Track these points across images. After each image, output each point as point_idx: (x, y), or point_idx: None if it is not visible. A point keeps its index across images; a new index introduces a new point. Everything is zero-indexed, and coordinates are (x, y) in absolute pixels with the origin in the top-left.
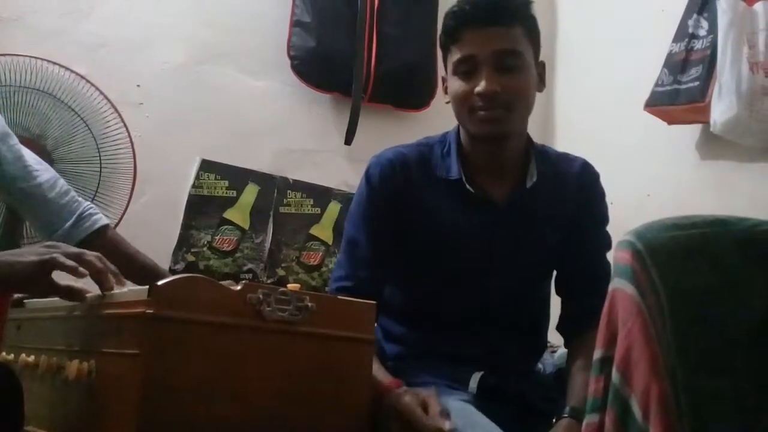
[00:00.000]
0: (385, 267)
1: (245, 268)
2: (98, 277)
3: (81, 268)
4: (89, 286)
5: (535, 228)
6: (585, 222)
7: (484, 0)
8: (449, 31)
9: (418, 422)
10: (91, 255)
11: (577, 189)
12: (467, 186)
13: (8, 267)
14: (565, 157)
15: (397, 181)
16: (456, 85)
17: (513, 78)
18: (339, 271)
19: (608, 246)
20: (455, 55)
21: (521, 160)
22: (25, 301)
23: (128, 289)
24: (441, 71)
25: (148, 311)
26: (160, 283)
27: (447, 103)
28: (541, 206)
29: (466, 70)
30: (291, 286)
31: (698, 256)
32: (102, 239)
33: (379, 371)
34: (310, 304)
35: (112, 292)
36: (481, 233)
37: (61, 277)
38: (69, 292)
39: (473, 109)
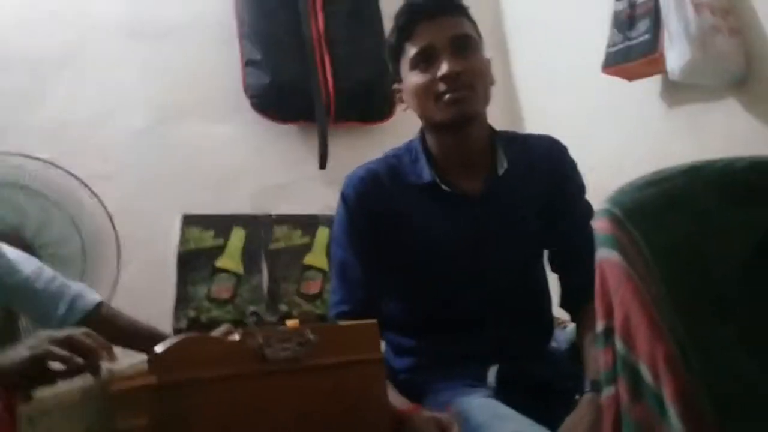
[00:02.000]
0: (378, 283)
1: (249, 312)
2: (90, 354)
3: (75, 358)
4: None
5: (513, 215)
6: (563, 196)
7: None
8: (402, 27)
9: None
10: (79, 335)
11: (548, 167)
12: (442, 186)
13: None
14: (531, 138)
15: (372, 196)
16: (416, 78)
17: (471, 60)
18: (335, 296)
19: (591, 215)
20: (411, 50)
21: (488, 151)
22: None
23: (128, 365)
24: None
25: (152, 381)
26: (157, 350)
27: (405, 110)
28: (516, 192)
29: (425, 60)
30: (290, 323)
31: (676, 209)
32: (98, 318)
33: (395, 397)
34: (311, 337)
35: (113, 368)
36: (462, 231)
37: None
38: (68, 374)
39: (438, 95)
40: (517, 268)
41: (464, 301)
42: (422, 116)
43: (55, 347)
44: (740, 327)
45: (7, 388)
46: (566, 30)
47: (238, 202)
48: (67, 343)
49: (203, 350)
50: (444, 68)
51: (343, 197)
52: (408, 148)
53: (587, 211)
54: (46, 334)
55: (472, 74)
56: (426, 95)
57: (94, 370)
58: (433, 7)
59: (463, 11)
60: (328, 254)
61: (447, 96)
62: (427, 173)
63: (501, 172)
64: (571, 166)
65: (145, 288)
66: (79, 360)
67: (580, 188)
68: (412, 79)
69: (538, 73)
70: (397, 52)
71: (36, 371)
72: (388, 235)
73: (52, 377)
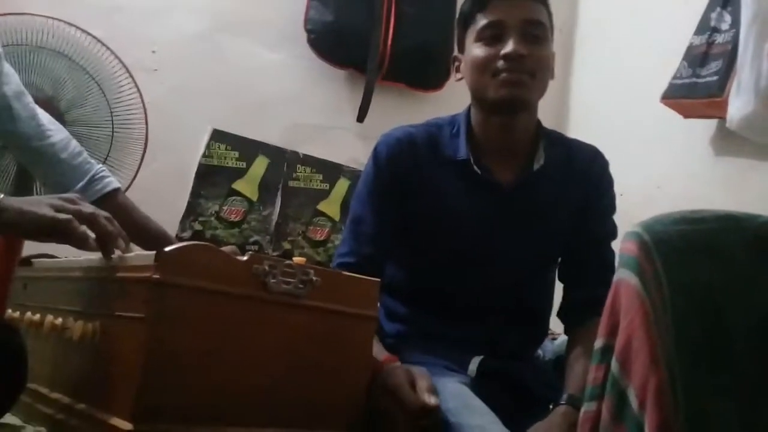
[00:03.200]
0: (389, 245)
1: (251, 240)
2: (104, 240)
3: (90, 241)
4: None
5: (540, 213)
6: (592, 210)
7: None
8: None
9: (405, 397)
10: (102, 218)
11: (585, 176)
12: (474, 167)
13: (19, 214)
14: (576, 143)
15: (404, 160)
16: (479, 51)
17: (538, 47)
18: (343, 247)
19: (614, 235)
20: (481, 22)
21: (530, 143)
22: (33, 260)
23: (135, 254)
24: (455, 52)
25: (154, 276)
26: (167, 249)
27: (458, 80)
28: (547, 191)
29: (492, 35)
30: (297, 259)
31: (704, 252)
32: (112, 202)
33: (376, 347)
34: (315, 278)
35: (119, 255)
36: (485, 215)
37: None
38: (94, 246)
39: (497, 72)
40: (527, 267)
41: (468, 286)
42: (474, 90)
43: (76, 222)
44: (737, 380)
45: (10, 237)
46: (636, 48)
47: (269, 132)
48: (90, 221)
49: (211, 261)
50: (509, 47)
51: (376, 154)
52: (452, 121)
53: (611, 230)
54: (73, 197)
55: (536, 61)
56: (484, 69)
57: (106, 255)
58: None
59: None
60: (343, 205)
61: (505, 75)
62: (463, 150)
63: (536, 167)
64: (608, 182)
65: (160, 190)
66: (93, 245)
67: (611, 206)
68: (474, 50)
69: (595, 83)
70: (467, 20)
71: (49, 235)
72: (410, 202)
73: (66, 242)
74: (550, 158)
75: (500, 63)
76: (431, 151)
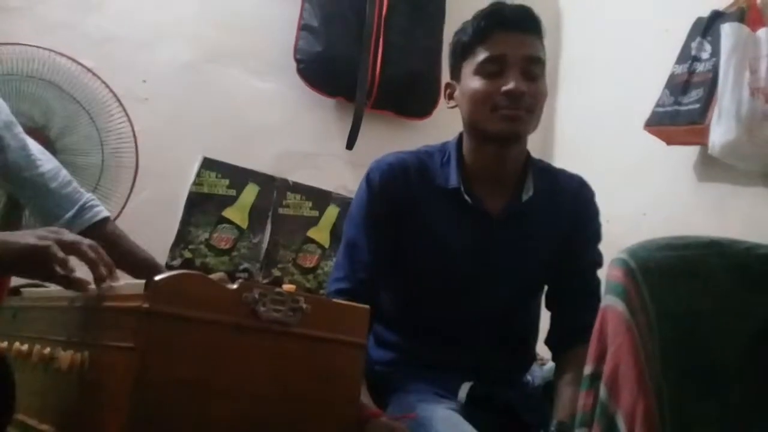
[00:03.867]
0: (383, 271)
1: (241, 267)
2: (91, 266)
3: (70, 265)
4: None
5: (528, 242)
6: (578, 239)
7: (516, 7)
8: (479, 31)
9: None
10: (86, 245)
11: (572, 206)
12: (465, 196)
13: (2, 245)
14: (563, 174)
15: (397, 186)
16: (479, 84)
17: (536, 85)
18: (338, 272)
19: (599, 264)
20: (481, 54)
21: (519, 173)
22: (22, 290)
23: (125, 283)
24: (445, 79)
25: (144, 306)
26: (156, 278)
27: (451, 107)
28: (535, 221)
29: (494, 70)
30: (287, 286)
31: (690, 278)
32: (102, 231)
33: (364, 396)
34: (305, 306)
35: (108, 284)
36: (474, 244)
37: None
38: (68, 282)
39: (496, 107)
40: (515, 294)
41: (456, 314)
42: (471, 121)
43: (57, 248)
44: (724, 406)
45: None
46: (619, 77)
47: (259, 159)
48: (73, 249)
49: (200, 289)
50: (511, 84)
51: (368, 180)
52: (442, 149)
53: (597, 259)
54: (56, 230)
55: (535, 98)
56: (484, 103)
57: (80, 286)
58: (517, 20)
59: (541, 35)
60: (332, 232)
61: (505, 111)
62: (454, 179)
63: (525, 198)
64: (594, 212)
65: (150, 218)
66: (73, 268)
67: (597, 236)
68: (474, 83)
69: (579, 110)
70: (466, 51)
71: (34, 263)
72: (402, 228)
73: (52, 275)
74: (538, 189)
75: (501, 99)
76: (422, 178)
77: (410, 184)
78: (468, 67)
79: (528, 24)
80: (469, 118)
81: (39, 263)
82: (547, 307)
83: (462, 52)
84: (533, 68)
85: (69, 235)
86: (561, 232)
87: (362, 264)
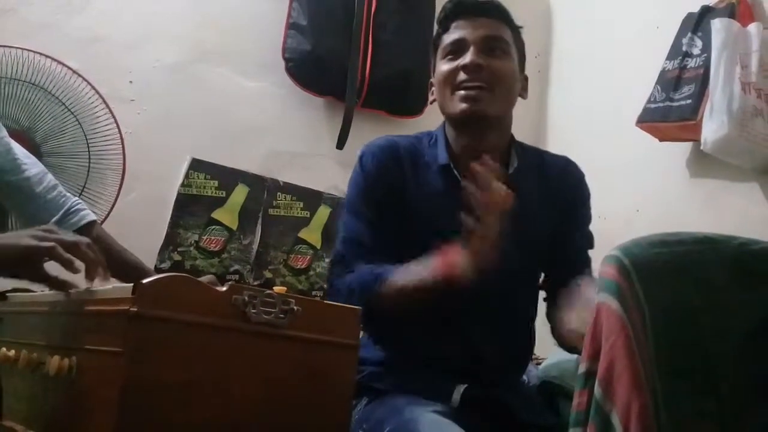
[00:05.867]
0: (390, 251)
1: (232, 269)
2: (90, 267)
3: (76, 263)
4: (77, 278)
5: (520, 214)
6: (568, 220)
7: None
8: (442, 20)
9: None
10: (84, 245)
11: (560, 183)
12: (455, 171)
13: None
14: (549, 154)
15: (390, 166)
16: (443, 67)
17: (497, 60)
18: (346, 267)
19: (591, 245)
20: (445, 41)
21: (503, 152)
22: (8, 294)
23: (113, 286)
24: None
25: (132, 309)
26: (145, 281)
27: (431, 102)
28: (524, 194)
29: (454, 50)
30: (277, 288)
31: (684, 274)
32: (88, 235)
33: (413, 272)
34: (295, 308)
35: (97, 288)
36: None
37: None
38: (57, 284)
39: (456, 86)
40: (508, 275)
41: (450, 299)
42: (441, 106)
43: (60, 248)
44: (720, 404)
45: None
46: (610, 74)
47: (249, 160)
48: (73, 249)
49: (189, 292)
50: (467, 57)
51: (362, 164)
52: (429, 134)
53: (588, 240)
54: (52, 228)
55: (493, 73)
56: (446, 84)
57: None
58: (474, 7)
59: (505, 17)
60: (324, 232)
61: (463, 91)
62: (443, 156)
63: (511, 170)
64: (585, 193)
65: (138, 221)
66: (80, 268)
67: (588, 218)
68: (440, 67)
69: (571, 107)
70: (436, 44)
71: (30, 262)
72: (397, 207)
73: (41, 276)
74: (524, 164)
75: (460, 75)
76: (413, 157)
77: (402, 163)
78: (439, 54)
79: (488, 9)
80: (439, 103)
81: (36, 262)
82: (541, 287)
83: (434, 45)
84: (493, 44)
85: (69, 235)
86: (549, 209)
87: (369, 253)
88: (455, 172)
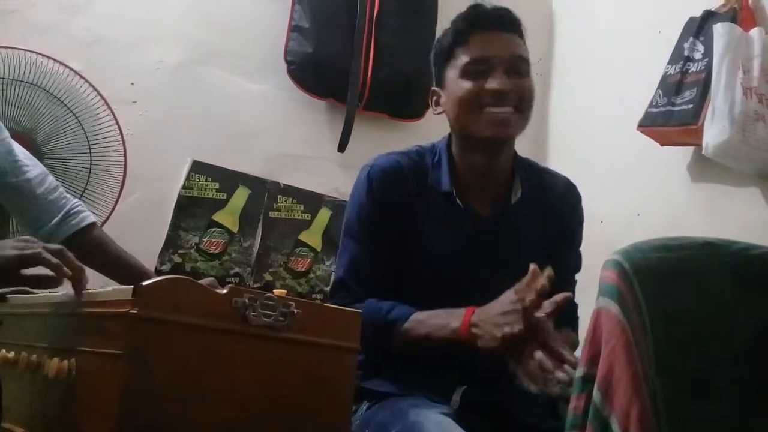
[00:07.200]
0: (389, 276)
1: (232, 272)
2: (74, 273)
3: (65, 268)
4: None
5: (517, 244)
6: (563, 244)
7: (494, 8)
8: (459, 33)
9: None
10: (68, 252)
11: (559, 209)
12: (457, 200)
13: None
14: (550, 174)
15: (394, 191)
16: (464, 85)
17: (522, 81)
18: (344, 289)
19: (578, 268)
20: (464, 58)
21: (507, 174)
22: (7, 297)
23: (112, 289)
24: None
25: (132, 311)
26: (145, 283)
27: (437, 114)
28: (524, 223)
29: (478, 70)
30: (277, 291)
31: (684, 279)
32: (88, 237)
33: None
34: (295, 311)
35: (96, 291)
36: (466, 246)
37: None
38: (38, 281)
39: (482, 107)
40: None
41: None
42: (458, 125)
43: (47, 253)
44: (721, 408)
45: None
46: (612, 78)
47: (250, 162)
48: (58, 255)
49: (189, 295)
50: (496, 83)
51: (369, 184)
52: (432, 149)
53: (577, 263)
54: (35, 240)
55: (521, 96)
56: (470, 105)
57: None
58: (496, 20)
59: (522, 33)
60: (324, 235)
61: (491, 111)
62: (446, 182)
63: (514, 200)
64: (580, 217)
65: (139, 223)
66: (68, 271)
67: (580, 241)
68: (459, 85)
69: (573, 111)
70: (447, 55)
71: (13, 272)
72: (399, 230)
73: (20, 280)
74: (527, 190)
75: (487, 98)
76: (417, 180)
77: (406, 187)
78: (452, 72)
79: (507, 24)
80: (457, 122)
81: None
82: None
83: (445, 57)
84: (517, 66)
85: (51, 245)
86: (547, 236)
87: (369, 277)
88: (457, 200)
